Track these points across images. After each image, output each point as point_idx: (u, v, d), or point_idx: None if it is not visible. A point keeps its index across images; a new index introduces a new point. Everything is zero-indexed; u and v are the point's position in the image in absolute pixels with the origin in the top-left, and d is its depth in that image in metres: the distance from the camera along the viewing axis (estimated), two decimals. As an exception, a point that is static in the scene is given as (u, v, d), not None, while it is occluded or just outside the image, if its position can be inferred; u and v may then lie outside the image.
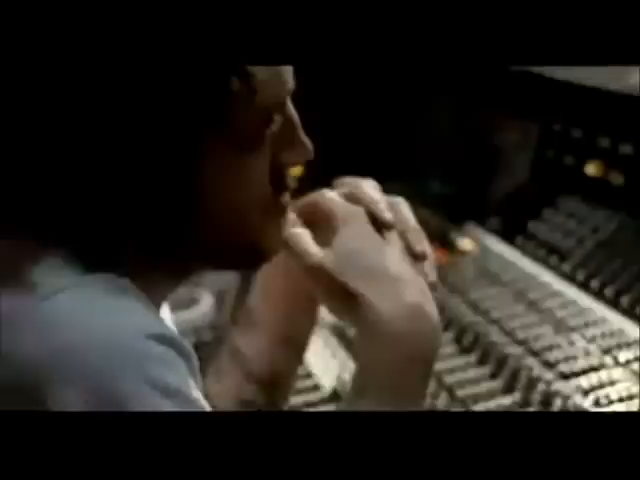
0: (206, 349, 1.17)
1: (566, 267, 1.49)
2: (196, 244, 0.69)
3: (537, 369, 1.23)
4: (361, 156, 1.81)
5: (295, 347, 0.87)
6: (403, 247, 0.76)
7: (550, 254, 1.55)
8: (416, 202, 0.86)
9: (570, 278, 1.47)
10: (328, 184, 0.82)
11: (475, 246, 1.68)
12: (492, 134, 1.93)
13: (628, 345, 1.26)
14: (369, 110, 2.08)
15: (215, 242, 0.70)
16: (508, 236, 1.64)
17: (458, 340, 1.35)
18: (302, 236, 0.76)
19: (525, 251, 1.59)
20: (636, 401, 1.13)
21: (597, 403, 1.14)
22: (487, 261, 1.61)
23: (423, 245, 0.77)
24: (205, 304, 1.59)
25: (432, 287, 0.76)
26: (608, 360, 1.24)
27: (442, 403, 1.19)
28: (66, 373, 0.58)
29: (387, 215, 0.76)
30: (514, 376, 1.23)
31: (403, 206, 0.79)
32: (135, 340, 0.60)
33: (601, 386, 1.18)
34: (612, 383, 1.18)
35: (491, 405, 1.16)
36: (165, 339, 0.61)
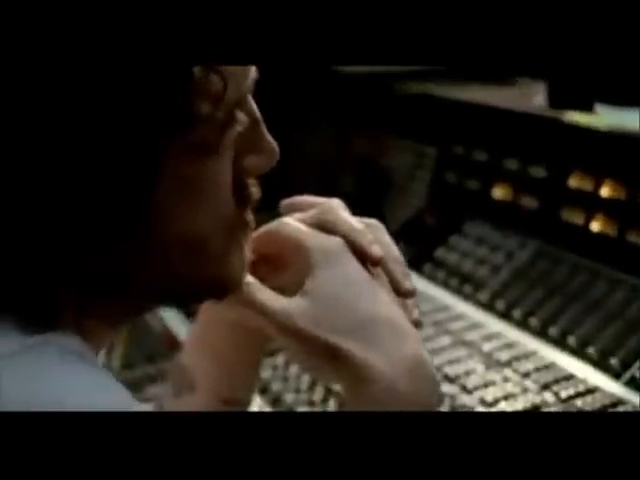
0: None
1: (483, 296, 1.41)
2: (150, 279, 0.56)
3: (478, 409, 1.13)
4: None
5: (237, 408, 0.74)
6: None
7: (463, 283, 1.46)
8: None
9: (488, 308, 1.38)
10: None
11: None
12: (384, 159, 1.84)
13: (565, 379, 1.18)
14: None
15: (172, 274, 0.57)
16: (414, 264, 1.54)
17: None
18: (256, 287, 0.62)
19: (435, 280, 1.49)
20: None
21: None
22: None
23: (410, 280, 0.66)
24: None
25: (417, 326, 0.65)
26: (549, 397, 1.15)
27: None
28: None
29: (376, 250, 0.64)
30: (453, 418, 1.12)
31: (382, 232, 0.67)
32: None
33: (550, 426, 1.08)
34: (560, 422, 1.09)
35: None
36: None
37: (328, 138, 1.98)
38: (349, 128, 1.96)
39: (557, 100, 1.52)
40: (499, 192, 1.55)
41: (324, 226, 0.65)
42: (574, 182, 1.41)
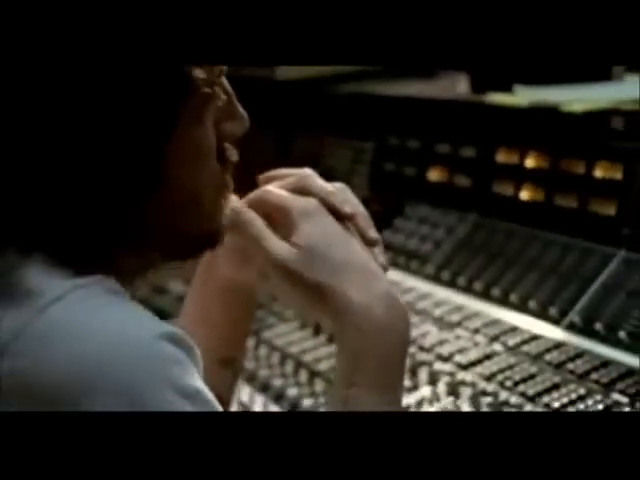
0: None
1: (429, 269, 1.52)
2: (165, 232, 0.67)
3: (436, 364, 1.24)
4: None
5: (232, 366, 0.83)
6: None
7: (410, 260, 1.57)
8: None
9: (435, 279, 1.50)
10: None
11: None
12: (324, 158, 1.95)
13: (511, 331, 1.30)
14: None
15: (177, 228, 0.68)
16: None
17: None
18: (262, 228, 0.73)
19: (383, 260, 1.60)
20: (539, 379, 1.16)
21: (502, 385, 1.16)
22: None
23: (374, 230, 0.77)
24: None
25: (384, 269, 0.75)
26: (497, 347, 1.27)
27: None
28: (92, 389, 0.55)
29: (347, 208, 0.75)
30: (413, 371, 1.22)
31: (349, 193, 0.78)
32: (151, 343, 0.57)
33: (501, 371, 1.20)
34: (510, 367, 1.20)
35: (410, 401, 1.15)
36: (174, 337, 0.59)
37: (270, 143, 2.09)
38: (289, 132, 2.07)
39: (479, 86, 1.65)
40: (434, 175, 1.67)
41: (301, 190, 0.75)
42: (501, 157, 1.54)
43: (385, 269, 0.75)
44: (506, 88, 1.59)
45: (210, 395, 0.59)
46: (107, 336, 0.56)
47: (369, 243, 0.75)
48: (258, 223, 0.72)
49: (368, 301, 0.70)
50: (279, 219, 0.73)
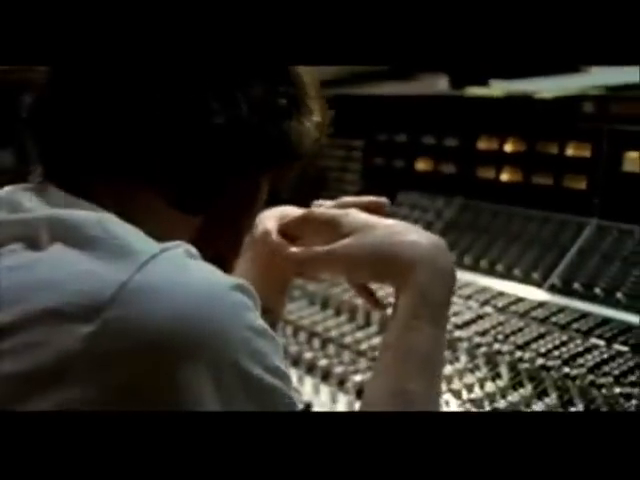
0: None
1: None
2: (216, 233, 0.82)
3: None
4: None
5: (272, 315, 0.95)
6: None
7: (404, 242, 1.73)
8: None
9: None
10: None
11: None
12: (317, 158, 2.10)
13: (500, 295, 1.45)
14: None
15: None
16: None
17: (352, 314, 1.48)
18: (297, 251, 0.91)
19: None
20: (527, 331, 1.31)
21: (495, 339, 1.31)
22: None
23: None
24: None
25: None
26: (488, 309, 1.42)
27: (362, 366, 1.30)
28: (189, 346, 0.64)
29: (381, 199, 0.90)
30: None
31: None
32: (228, 293, 0.68)
33: (493, 327, 1.35)
34: (501, 323, 1.35)
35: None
36: (242, 288, 0.69)
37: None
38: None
39: (457, 82, 1.81)
40: (421, 165, 1.83)
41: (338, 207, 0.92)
42: (482, 145, 1.70)
43: None
44: (482, 83, 1.75)
45: (270, 330, 0.71)
46: (195, 292, 0.66)
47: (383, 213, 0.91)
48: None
49: (433, 243, 0.83)
50: (328, 230, 0.88)
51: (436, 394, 0.81)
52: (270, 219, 0.94)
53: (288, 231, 0.92)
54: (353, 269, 0.87)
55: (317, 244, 0.88)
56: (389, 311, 0.85)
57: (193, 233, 0.78)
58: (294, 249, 0.89)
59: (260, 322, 0.69)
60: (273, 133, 0.77)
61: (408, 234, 0.84)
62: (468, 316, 1.40)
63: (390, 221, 0.86)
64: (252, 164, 0.78)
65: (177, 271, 0.67)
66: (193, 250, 0.71)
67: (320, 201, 0.95)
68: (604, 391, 1.11)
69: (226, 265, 0.82)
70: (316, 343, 1.42)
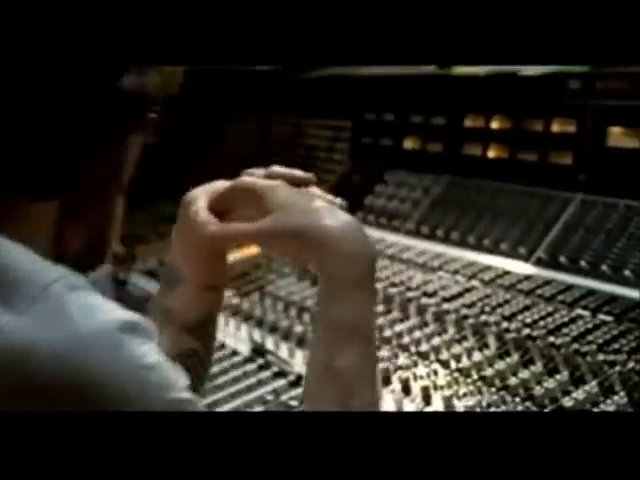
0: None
1: (409, 225, 1.70)
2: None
3: (423, 299, 1.41)
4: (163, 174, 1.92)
5: (216, 290, 0.96)
6: None
7: (392, 219, 1.75)
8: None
9: (416, 233, 1.67)
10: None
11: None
12: (306, 140, 2.13)
13: (487, 269, 1.48)
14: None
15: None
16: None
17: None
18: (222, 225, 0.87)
19: (368, 223, 1.78)
20: (513, 303, 1.33)
21: (482, 311, 1.33)
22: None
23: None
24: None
25: (342, 208, 0.87)
26: (475, 283, 1.44)
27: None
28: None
29: (306, 174, 0.89)
30: (404, 307, 1.39)
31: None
32: (111, 333, 0.68)
33: (480, 300, 1.37)
34: (488, 296, 1.38)
35: (402, 328, 1.32)
36: (128, 324, 0.69)
37: (254, 129, 2.26)
38: (270, 118, 2.24)
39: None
40: (409, 143, 1.85)
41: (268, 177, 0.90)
42: (468, 122, 1.72)
43: (343, 207, 0.86)
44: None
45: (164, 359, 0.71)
46: (77, 328, 0.66)
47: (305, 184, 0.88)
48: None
49: (342, 226, 0.81)
50: (251, 200, 0.86)
51: (371, 362, 0.80)
52: (200, 196, 0.93)
53: (217, 206, 0.92)
54: (272, 248, 0.88)
55: (246, 216, 0.89)
56: None
57: (59, 216, 0.79)
58: (215, 228, 0.89)
59: (152, 356, 0.70)
60: (103, 92, 0.75)
61: (322, 218, 0.84)
62: (455, 290, 1.42)
63: (310, 202, 0.87)
64: (95, 128, 0.76)
65: (58, 317, 0.67)
66: (76, 280, 0.71)
67: (251, 169, 0.95)
68: (588, 358, 1.14)
69: (103, 237, 0.84)
70: (306, 317, 1.44)
